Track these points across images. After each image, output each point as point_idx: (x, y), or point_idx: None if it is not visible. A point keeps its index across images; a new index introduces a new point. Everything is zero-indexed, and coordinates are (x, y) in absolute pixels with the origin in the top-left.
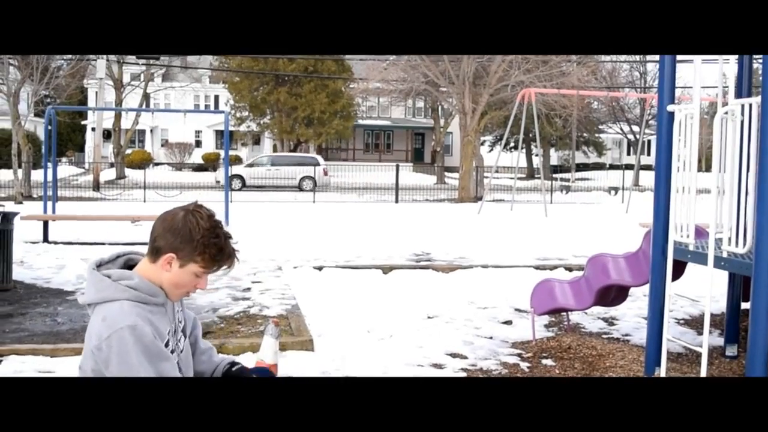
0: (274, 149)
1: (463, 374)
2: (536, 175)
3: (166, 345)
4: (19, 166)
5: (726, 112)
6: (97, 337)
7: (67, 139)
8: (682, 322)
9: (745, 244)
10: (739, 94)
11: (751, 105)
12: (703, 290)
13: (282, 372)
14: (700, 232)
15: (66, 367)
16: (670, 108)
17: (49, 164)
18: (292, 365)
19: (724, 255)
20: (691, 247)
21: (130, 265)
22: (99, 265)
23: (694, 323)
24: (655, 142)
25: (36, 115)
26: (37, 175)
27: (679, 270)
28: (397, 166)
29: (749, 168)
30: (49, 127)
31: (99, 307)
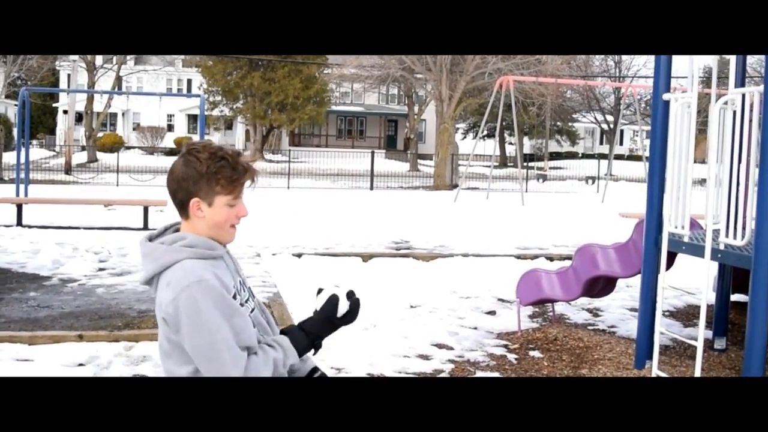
0: (247, 134)
1: (451, 366)
2: (509, 164)
3: (235, 296)
4: None
5: (725, 102)
6: (165, 303)
7: (38, 121)
8: (667, 314)
9: (743, 237)
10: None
11: (753, 94)
12: (690, 282)
13: None
14: (693, 224)
15: (44, 355)
16: (665, 97)
17: (23, 147)
18: None
19: (721, 247)
20: (685, 239)
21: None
22: (150, 240)
23: (680, 315)
24: (650, 131)
25: (7, 97)
26: (8, 158)
27: (669, 262)
28: (372, 153)
29: (747, 159)
30: (23, 110)
31: (161, 276)
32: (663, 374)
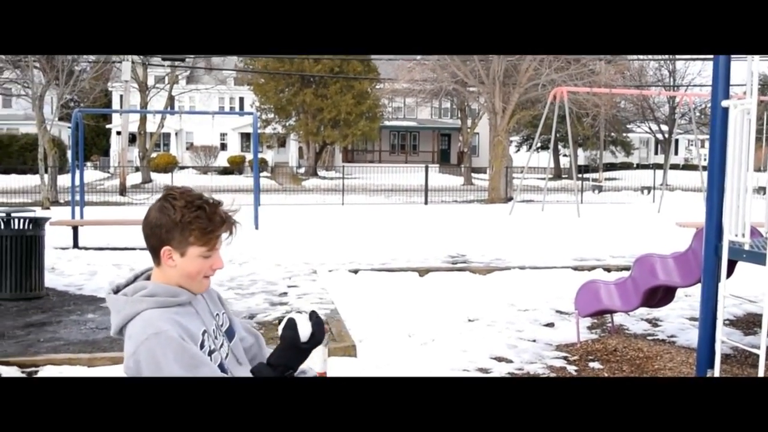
0: (300, 152)
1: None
2: (563, 175)
3: (201, 345)
4: (45, 171)
5: None
6: (126, 356)
7: (92, 143)
8: (727, 322)
9: None
10: None
11: None
12: (750, 290)
13: (335, 365)
14: (753, 232)
15: (105, 374)
16: (724, 104)
17: (77, 169)
18: (337, 371)
19: None
20: (746, 246)
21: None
22: (116, 291)
23: (740, 324)
24: (709, 138)
25: (60, 119)
26: (63, 180)
27: (729, 270)
28: (426, 167)
29: None
30: (76, 131)
31: (125, 328)
32: None
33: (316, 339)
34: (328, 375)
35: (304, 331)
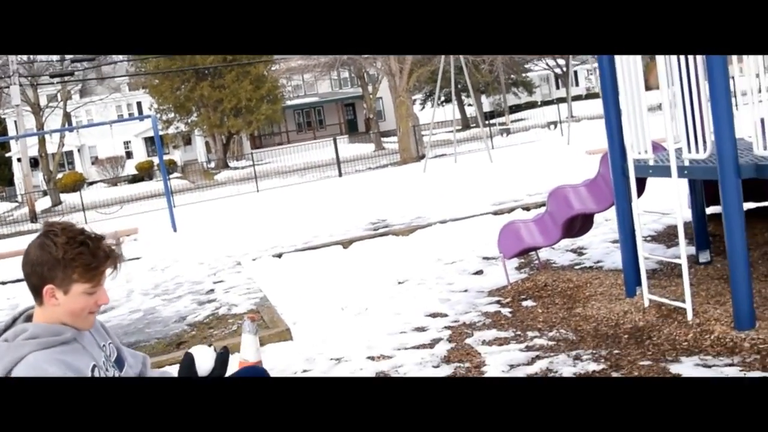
0: (207, 146)
1: (448, 332)
2: (471, 125)
3: None
4: None
5: None
6: None
7: None
8: (649, 238)
9: (705, 149)
10: None
11: None
12: (664, 204)
13: (265, 365)
14: (656, 147)
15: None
16: None
17: None
18: (274, 358)
19: (686, 163)
20: (651, 162)
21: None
22: None
23: (662, 238)
24: (598, 65)
25: None
26: None
27: (639, 188)
28: (335, 139)
29: (697, 76)
30: None
31: (11, 374)
32: (655, 297)
33: (217, 374)
34: (264, 363)
35: (204, 365)
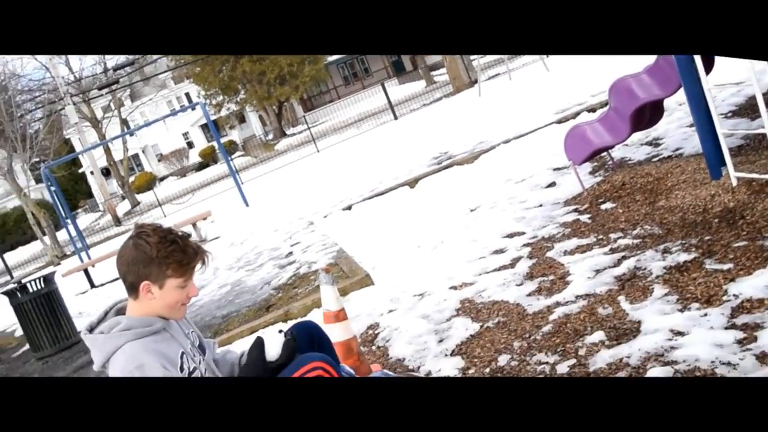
0: (261, 120)
1: (528, 249)
2: None
3: (182, 368)
4: (43, 234)
5: None
6: None
7: (74, 191)
8: (729, 114)
9: None
10: None
11: None
12: (737, 75)
13: (351, 312)
14: None
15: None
16: None
17: (67, 219)
18: (359, 304)
19: None
20: None
21: (122, 314)
22: (91, 329)
23: (743, 111)
24: None
25: (37, 182)
26: (62, 235)
27: (707, 63)
28: (383, 84)
29: None
30: (50, 185)
31: (108, 364)
32: (743, 174)
33: (282, 359)
34: (348, 310)
35: (272, 350)
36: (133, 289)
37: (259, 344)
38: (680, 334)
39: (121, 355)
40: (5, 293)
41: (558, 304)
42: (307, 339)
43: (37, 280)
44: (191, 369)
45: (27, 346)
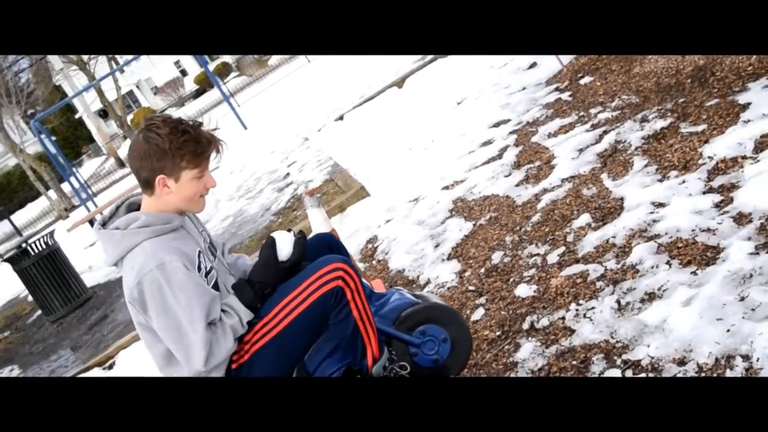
0: None
1: (514, 136)
2: None
3: (199, 267)
4: (47, 188)
5: None
6: (130, 287)
7: (75, 138)
8: None
9: None
10: None
11: None
12: None
13: (350, 226)
14: None
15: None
16: None
17: (66, 171)
18: (356, 217)
19: None
20: None
21: (134, 209)
22: (104, 224)
23: None
24: None
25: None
26: (68, 186)
27: None
28: None
29: None
30: (44, 137)
31: (124, 260)
32: None
33: (294, 258)
34: (344, 226)
35: (284, 249)
36: (148, 185)
37: (270, 243)
38: (661, 205)
39: (141, 253)
40: (7, 260)
41: (545, 190)
42: (327, 250)
43: (38, 242)
44: (208, 268)
45: (40, 311)
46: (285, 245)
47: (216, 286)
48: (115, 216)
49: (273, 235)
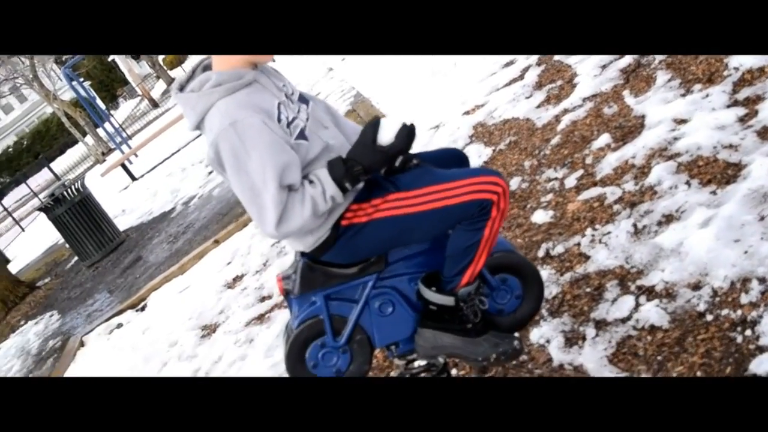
0: None
1: (536, 56)
2: None
3: (279, 119)
4: (83, 134)
5: None
6: (208, 148)
7: (110, 80)
8: None
9: None
10: None
11: None
12: None
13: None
14: None
15: (197, 275)
16: None
17: (99, 117)
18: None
19: None
20: None
21: (209, 69)
22: (181, 88)
23: None
24: None
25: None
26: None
27: None
28: None
29: None
30: (75, 84)
31: (204, 123)
32: None
33: (396, 147)
34: None
35: (387, 134)
36: None
37: (373, 123)
38: (683, 122)
39: (216, 113)
40: (40, 209)
41: (566, 111)
42: (457, 164)
43: (69, 190)
44: (290, 118)
45: (77, 257)
46: (389, 131)
47: (302, 136)
48: (191, 79)
49: (382, 118)
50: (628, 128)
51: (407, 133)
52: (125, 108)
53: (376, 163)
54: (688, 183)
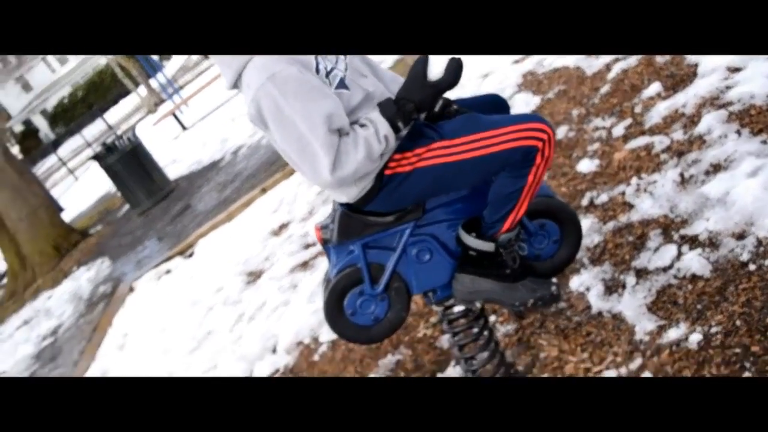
0: None
1: None
2: None
3: (317, 69)
4: (136, 85)
5: None
6: (247, 105)
7: None
8: None
9: None
10: None
11: None
12: None
13: None
14: None
15: (244, 221)
16: None
17: (152, 67)
18: None
19: None
20: None
21: None
22: None
23: None
24: None
25: None
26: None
27: None
28: None
29: None
30: None
31: (242, 81)
32: None
33: (446, 81)
34: None
35: (436, 69)
36: None
37: (423, 59)
38: (737, 70)
39: (252, 68)
40: (93, 158)
41: (617, 59)
42: (497, 110)
43: (121, 139)
44: (328, 68)
45: (128, 205)
46: (438, 66)
47: (343, 85)
48: None
49: (427, 56)
50: (680, 77)
51: (456, 66)
52: (177, 59)
53: (427, 98)
54: (738, 132)
